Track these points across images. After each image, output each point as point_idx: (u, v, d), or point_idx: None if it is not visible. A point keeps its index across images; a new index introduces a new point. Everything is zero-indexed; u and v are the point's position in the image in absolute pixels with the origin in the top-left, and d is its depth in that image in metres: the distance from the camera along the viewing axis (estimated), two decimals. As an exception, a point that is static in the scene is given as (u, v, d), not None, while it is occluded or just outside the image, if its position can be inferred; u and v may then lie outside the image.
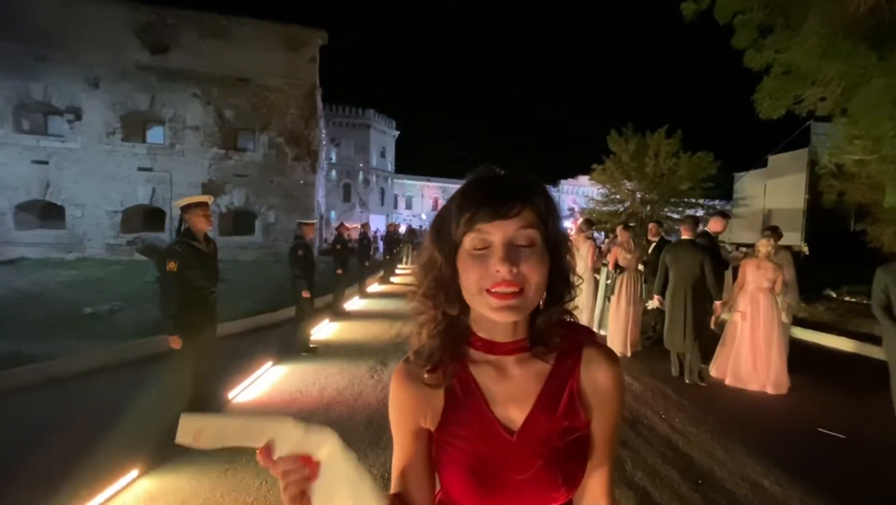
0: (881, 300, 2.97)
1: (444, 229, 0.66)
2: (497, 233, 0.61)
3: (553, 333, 0.67)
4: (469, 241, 0.63)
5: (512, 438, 0.66)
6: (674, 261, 4.65)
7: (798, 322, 7.07)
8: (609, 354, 0.72)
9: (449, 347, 0.68)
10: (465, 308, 0.68)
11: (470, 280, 0.63)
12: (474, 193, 0.64)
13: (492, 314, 0.63)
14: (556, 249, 0.66)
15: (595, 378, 0.69)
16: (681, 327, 4.53)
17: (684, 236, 4.74)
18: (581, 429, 0.68)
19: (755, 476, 2.83)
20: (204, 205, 3.16)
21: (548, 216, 0.65)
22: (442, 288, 0.67)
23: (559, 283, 0.67)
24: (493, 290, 0.61)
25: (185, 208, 3.12)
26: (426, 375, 0.68)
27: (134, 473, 2.64)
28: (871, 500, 2.61)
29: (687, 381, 4.54)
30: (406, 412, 0.71)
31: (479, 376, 0.69)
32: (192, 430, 0.52)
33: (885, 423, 2.99)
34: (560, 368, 0.69)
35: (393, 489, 0.72)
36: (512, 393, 0.68)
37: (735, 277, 4.95)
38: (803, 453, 3.16)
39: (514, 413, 0.67)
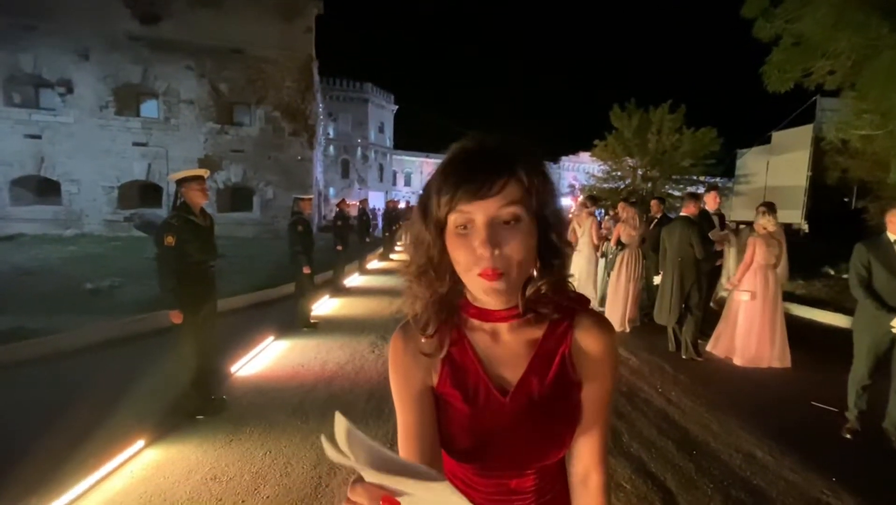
0: (862, 276, 2.93)
1: (429, 207, 0.65)
2: (478, 213, 0.60)
3: (544, 302, 0.67)
4: (453, 221, 0.62)
5: (505, 399, 0.68)
6: (667, 237, 4.74)
7: (796, 299, 7.12)
8: (601, 320, 0.72)
9: (443, 318, 0.70)
10: (456, 282, 0.68)
11: (458, 260, 0.63)
12: (454, 171, 0.62)
13: (480, 295, 0.64)
14: (543, 221, 0.64)
15: (586, 344, 0.70)
16: (668, 301, 4.63)
17: (683, 213, 4.73)
18: (572, 393, 0.70)
19: (748, 447, 2.90)
20: (200, 178, 3.11)
21: (533, 187, 0.62)
22: (432, 266, 0.67)
23: (549, 254, 0.66)
24: (480, 272, 0.61)
25: (181, 182, 3.08)
26: (423, 341, 0.70)
27: (140, 443, 2.70)
28: (861, 470, 2.68)
29: (683, 356, 4.60)
30: (410, 372, 0.72)
31: (474, 340, 0.71)
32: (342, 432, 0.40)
33: (875, 396, 3.05)
34: (552, 334, 0.70)
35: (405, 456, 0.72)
36: (506, 357, 0.70)
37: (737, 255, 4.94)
38: (796, 426, 3.22)
39: (508, 375, 0.69)
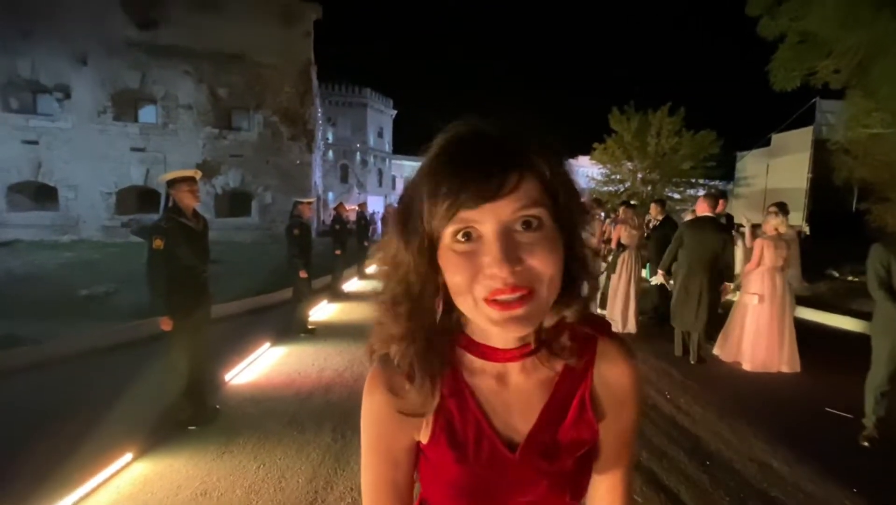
0: (881, 277, 2.87)
1: (414, 219, 0.49)
2: (487, 220, 0.45)
3: (560, 332, 0.54)
4: (450, 234, 0.47)
5: (513, 456, 0.55)
6: (693, 238, 4.45)
7: (801, 301, 7.01)
8: (627, 349, 0.59)
9: (432, 362, 0.54)
10: (448, 310, 0.53)
11: (458, 285, 0.47)
12: (450, 167, 0.47)
13: (493, 327, 0.48)
14: (569, 226, 0.50)
15: (610, 379, 0.58)
16: (694, 306, 4.41)
17: (703, 213, 4.55)
18: (591, 442, 0.58)
19: (763, 456, 2.79)
20: (190, 180, 2.99)
21: (556, 181, 0.48)
22: (411, 296, 0.52)
23: (576, 269, 0.51)
24: (491, 298, 0.46)
25: (171, 183, 2.96)
26: (406, 388, 0.55)
27: (128, 456, 2.58)
28: (880, 478, 2.57)
29: (692, 361, 4.49)
30: (391, 431, 0.58)
31: (475, 385, 0.57)
32: None
33: (891, 402, 2.94)
34: (570, 372, 0.57)
35: None
36: (514, 404, 0.57)
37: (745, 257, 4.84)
38: (810, 433, 3.11)
39: (518, 426, 0.56)
